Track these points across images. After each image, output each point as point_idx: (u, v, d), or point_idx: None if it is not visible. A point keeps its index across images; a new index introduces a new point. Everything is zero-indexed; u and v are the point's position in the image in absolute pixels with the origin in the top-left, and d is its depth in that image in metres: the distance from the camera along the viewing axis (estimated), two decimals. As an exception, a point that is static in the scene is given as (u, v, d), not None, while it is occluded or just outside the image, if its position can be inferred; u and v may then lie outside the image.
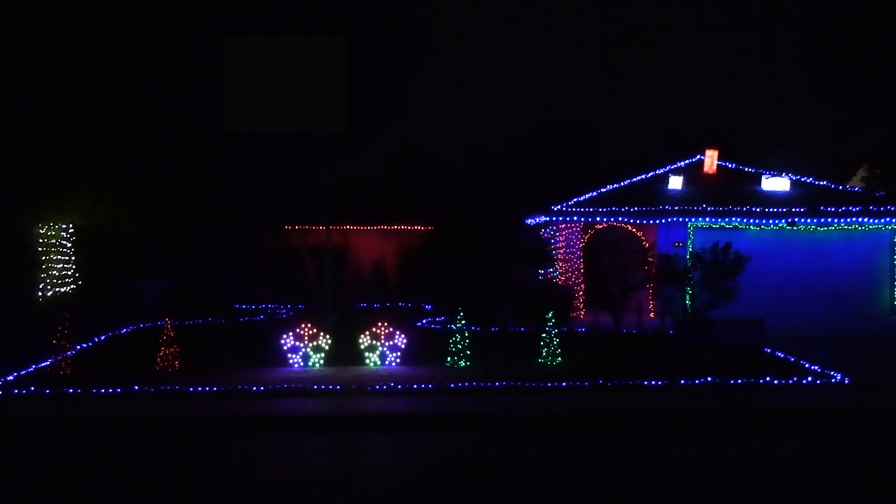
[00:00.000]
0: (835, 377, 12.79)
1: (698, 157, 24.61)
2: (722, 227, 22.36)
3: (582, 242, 23.16)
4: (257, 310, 25.15)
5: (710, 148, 24.72)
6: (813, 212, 22.46)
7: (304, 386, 12.28)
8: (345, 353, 14.33)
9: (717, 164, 24.33)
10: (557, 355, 14.45)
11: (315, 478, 8.54)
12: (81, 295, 21.31)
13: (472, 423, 10.69)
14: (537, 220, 23.59)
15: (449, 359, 14.25)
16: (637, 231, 23.18)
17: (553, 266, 23.08)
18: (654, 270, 18.22)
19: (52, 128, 18.41)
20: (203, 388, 12.09)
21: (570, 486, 8.16)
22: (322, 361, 14.17)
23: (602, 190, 23.33)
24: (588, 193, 23.13)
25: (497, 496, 7.87)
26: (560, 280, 22.70)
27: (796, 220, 22.42)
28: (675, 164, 24.61)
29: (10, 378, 12.79)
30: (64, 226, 21.30)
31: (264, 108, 18.90)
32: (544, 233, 23.85)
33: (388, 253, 29.11)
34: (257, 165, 22.61)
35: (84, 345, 16.08)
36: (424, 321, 20.87)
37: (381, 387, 12.23)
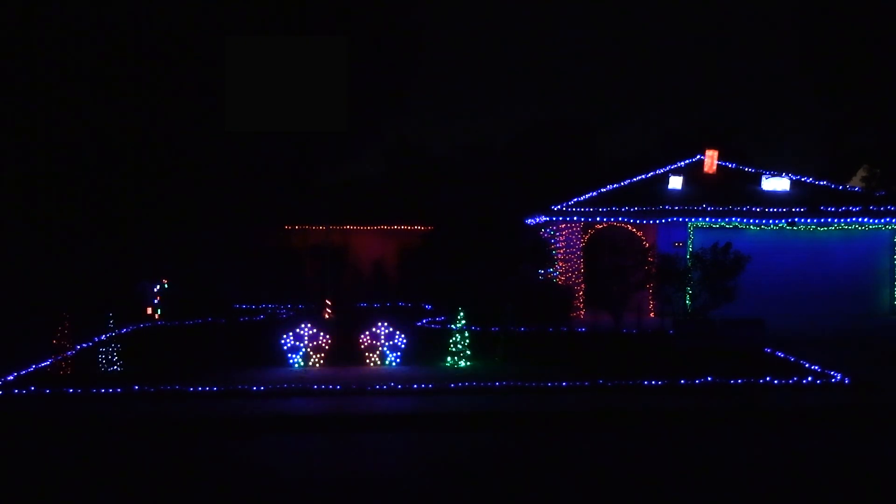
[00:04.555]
0: (835, 377, 12.78)
1: (698, 157, 24.62)
2: (722, 227, 22.35)
3: (582, 242, 23.15)
4: (257, 310, 25.13)
5: (710, 148, 24.74)
6: (813, 212, 22.45)
7: (304, 386, 12.28)
8: (345, 353, 14.33)
9: (717, 164, 24.34)
10: (557, 355, 14.46)
11: (315, 478, 8.53)
12: (81, 294, 21.30)
13: (473, 423, 10.69)
14: (537, 220, 23.58)
15: (449, 359, 14.26)
16: (637, 231, 23.18)
17: (553, 266, 23.07)
18: (654, 270, 18.22)
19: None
20: (203, 388, 12.09)
21: (570, 486, 8.16)
22: (322, 361, 14.18)
23: (602, 190, 23.33)
24: (588, 193, 23.13)
25: (497, 496, 7.88)
26: (560, 280, 22.70)
27: (796, 220, 22.41)
28: (675, 164, 24.62)
29: (11, 378, 12.80)
30: None
31: (264, 108, 18.93)
32: (544, 233, 23.85)
33: (388, 253, 29.10)
34: (257, 165, 22.63)
35: (84, 345, 16.07)
36: (424, 321, 20.86)
37: (381, 387, 12.24)
